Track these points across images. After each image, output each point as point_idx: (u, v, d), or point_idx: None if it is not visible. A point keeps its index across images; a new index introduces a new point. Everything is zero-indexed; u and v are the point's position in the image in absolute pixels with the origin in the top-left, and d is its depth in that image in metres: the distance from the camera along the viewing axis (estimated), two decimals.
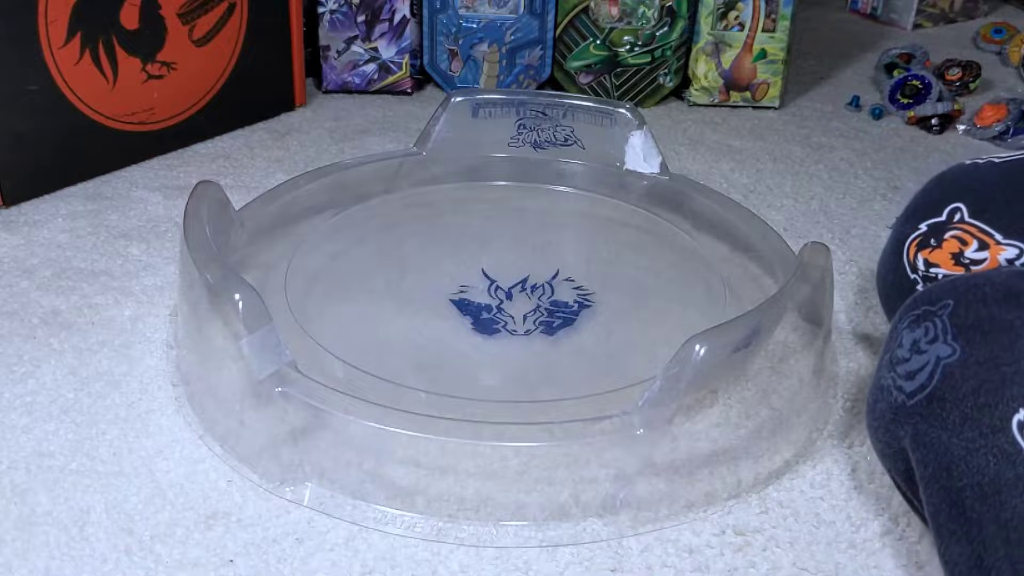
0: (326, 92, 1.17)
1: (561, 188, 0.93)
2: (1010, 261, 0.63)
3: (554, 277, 0.79)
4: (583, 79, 1.17)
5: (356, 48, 1.14)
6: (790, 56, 1.17)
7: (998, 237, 0.64)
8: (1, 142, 0.86)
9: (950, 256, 0.65)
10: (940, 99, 1.16)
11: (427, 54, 1.16)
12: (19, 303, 0.76)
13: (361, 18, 1.12)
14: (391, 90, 1.17)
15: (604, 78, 1.16)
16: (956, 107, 1.16)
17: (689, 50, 1.16)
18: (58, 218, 0.88)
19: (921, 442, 0.52)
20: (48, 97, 0.88)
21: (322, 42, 1.14)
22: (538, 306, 0.75)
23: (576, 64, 1.16)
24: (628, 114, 0.89)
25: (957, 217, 0.66)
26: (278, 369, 0.58)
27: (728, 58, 1.15)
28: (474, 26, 1.14)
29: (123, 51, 0.93)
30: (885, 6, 1.55)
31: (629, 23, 1.13)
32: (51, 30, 0.86)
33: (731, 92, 1.18)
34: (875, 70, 1.29)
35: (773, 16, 1.13)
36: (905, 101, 1.18)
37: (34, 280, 0.79)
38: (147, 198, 0.92)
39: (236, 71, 1.03)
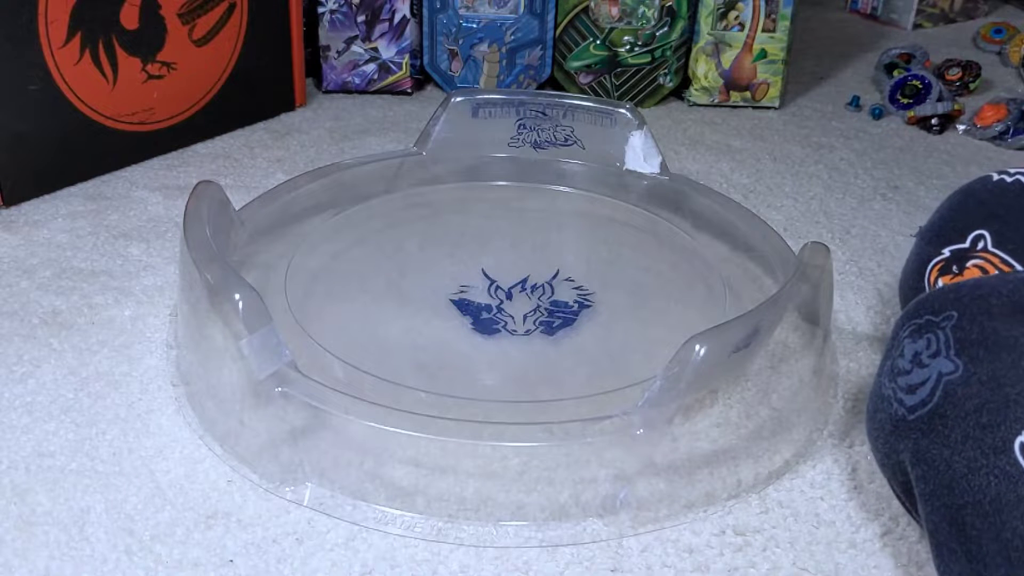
0: (326, 92, 1.17)
1: (561, 188, 0.93)
2: None
3: (554, 277, 0.79)
4: (583, 79, 1.17)
5: (356, 48, 1.14)
6: (790, 56, 1.17)
7: (1020, 269, 0.64)
8: (1, 142, 0.86)
9: None
10: (940, 99, 1.16)
11: (427, 54, 1.16)
12: (19, 303, 0.76)
13: (361, 18, 1.12)
14: (391, 90, 1.17)
15: (604, 78, 1.16)
16: (956, 107, 1.16)
17: (689, 50, 1.16)
18: (58, 218, 0.88)
19: (922, 458, 0.52)
20: (48, 97, 0.88)
21: (322, 42, 1.14)
22: (538, 306, 0.75)
23: (576, 64, 1.16)
24: (628, 114, 0.89)
25: (980, 246, 0.66)
26: (278, 369, 0.58)
27: (728, 58, 1.15)
28: (474, 26, 1.14)
29: (123, 51, 0.93)
30: (885, 6, 1.55)
31: (629, 23, 1.13)
32: (51, 30, 0.86)
33: (731, 92, 1.18)
34: (875, 70, 1.29)
35: (773, 16, 1.13)
36: (905, 101, 1.18)
37: (34, 280, 0.79)
38: (147, 198, 0.92)
39: (236, 71, 1.03)
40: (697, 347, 0.57)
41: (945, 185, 1.01)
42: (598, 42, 1.14)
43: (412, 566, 0.55)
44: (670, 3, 1.12)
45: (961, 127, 1.15)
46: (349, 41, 1.13)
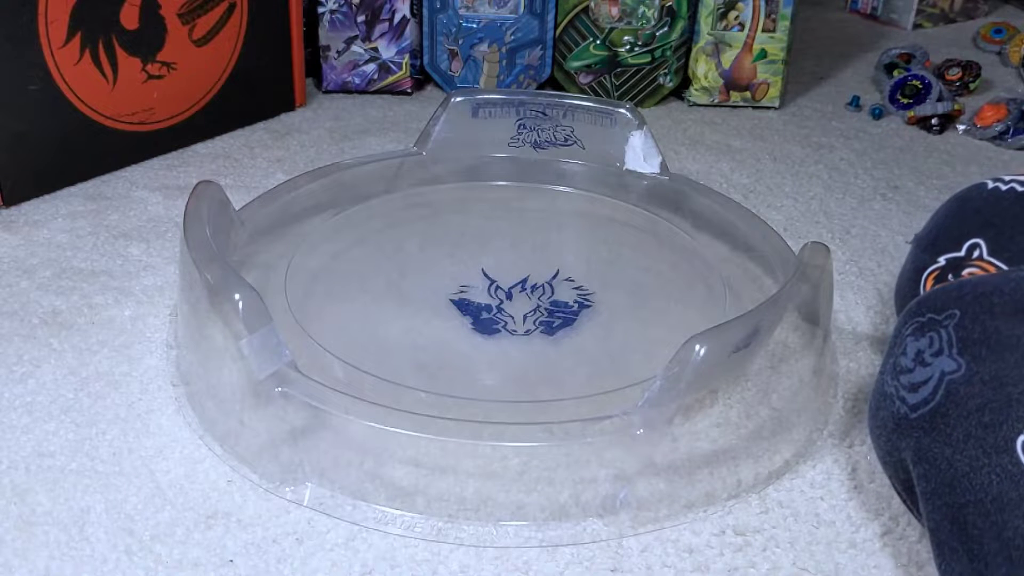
0: (326, 92, 1.17)
1: (561, 188, 0.93)
2: None
3: (554, 277, 0.79)
4: (583, 79, 1.17)
5: (356, 48, 1.14)
6: (790, 56, 1.17)
7: None
8: (1, 142, 0.86)
9: None
10: (940, 99, 1.16)
11: (427, 54, 1.16)
12: (19, 303, 0.76)
13: (361, 18, 1.12)
14: (391, 90, 1.17)
15: (604, 78, 1.16)
16: (956, 107, 1.16)
17: (689, 50, 1.16)
18: (58, 218, 0.88)
19: (923, 456, 0.52)
20: (48, 97, 0.88)
21: (322, 42, 1.14)
22: (538, 306, 0.75)
23: (576, 64, 1.16)
24: (628, 114, 0.89)
25: (976, 254, 0.66)
26: (278, 369, 0.58)
27: (728, 58, 1.15)
28: (474, 26, 1.14)
29: (123, 51, 0.93)
30: (885, 6, 1.55)
31: (629, 23, 1.13)
32: (51, 30, 0.86)
33: (731, 92, 1.18)
34: (875, 70, 1.29)
35: (773, 16, 1.13)
36: (905, 101, 1.18)
37: (34, 280, 0.79)
38: (147, 198, 0.92)
39: (236, 71, 1.03)
40: (697, 347, 0.57)
41: (945, 185, 1.01)
42: (598, 42, 1.14)
43: (412, 566, 0.55)
44: (670, 3, 1.12)
45: (961, 127, 1.15)
46: (349, 41, 1.13)
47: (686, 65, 1.17)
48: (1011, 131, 1.11)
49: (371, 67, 1.15)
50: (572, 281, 0.79)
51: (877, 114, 1.18)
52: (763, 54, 1.15)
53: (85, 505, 0.58)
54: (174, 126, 1.00)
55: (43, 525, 0.56)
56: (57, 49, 0.87)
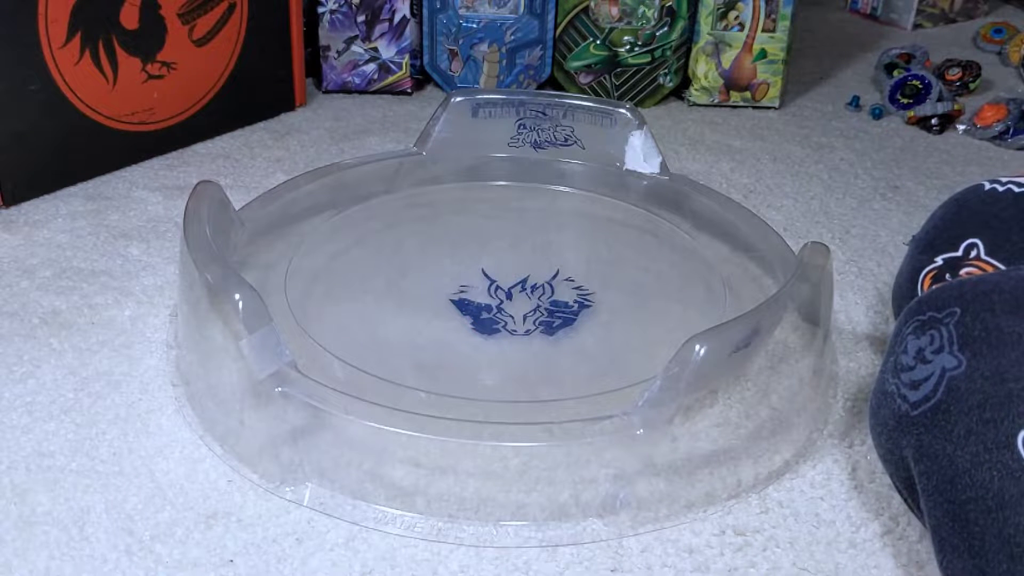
0: (326, 92, 1.17)
1: (561, 188, 0.93)
2: None
3: (554, 277, 0.79)
4: (583, 79, 1.17)
5: (356, 48, 1.14)
6: (790, 56, 1.17)
7: None
8: (1, 142, 0.86)
9: None
10: (940, 99, 1.16)
11: (427, 54, 1.16)
12: (19, 303, 0.76)
13: (361, 18, 1.12)
14: (391, 90, 1.17)
15: (604, 78, 1.16)
16: (956, 107, 1.16)
17: (689, 50, 1.16)
18: (58, 218, 0.88)
19: (925, 453, 0.52)
20: (48, 97, 0.88)
21: (322, 42, 1.14)
22: (538, 306, 0.75)
23: (576, 64, 1.16)
24: (628, 114, 0.89)
25: (973, 254, 0.66)
26: (278, 369, 0.58)
27: (728, 58, 1.15)
28: (474, 26, 1.14)
29: (123, 51, 0.93)
30: (885, 6, 1.55)
31: (629, 23, 1.13)
32: (51, 30, 0.86)
33: (731, 92, 1.18)
34: (875, 70, 1.29)
35: (773, 16, 1.13)
36: (905, 101, 1.18)
37: (34, 280, 0.79)
38: (147, 198, 0.92)
39: (236, 71, 1.03)
40: (697, 347, 0.57)
41: (945, 185, 1.01)
42: (598, 42, 1.14)
43: (412, 566, 0.55)
44: (670, 3, 1.12)
45: (961, 127, 1.15)
46: (349, 41, 1.13)
47: (686, 65, 1.17)
48: (1011, 131, 1.11)
49: (371, 67, 1.15)
50: (572, 281, 0.79)
51: (877, 114, 1.18)
52: (763, 54, 1.15)
53: (85, 505, 0.58)
54: (174, 126, 1.00)
55: (43, 525, 0.56)
56: (57, 49, 0.87)
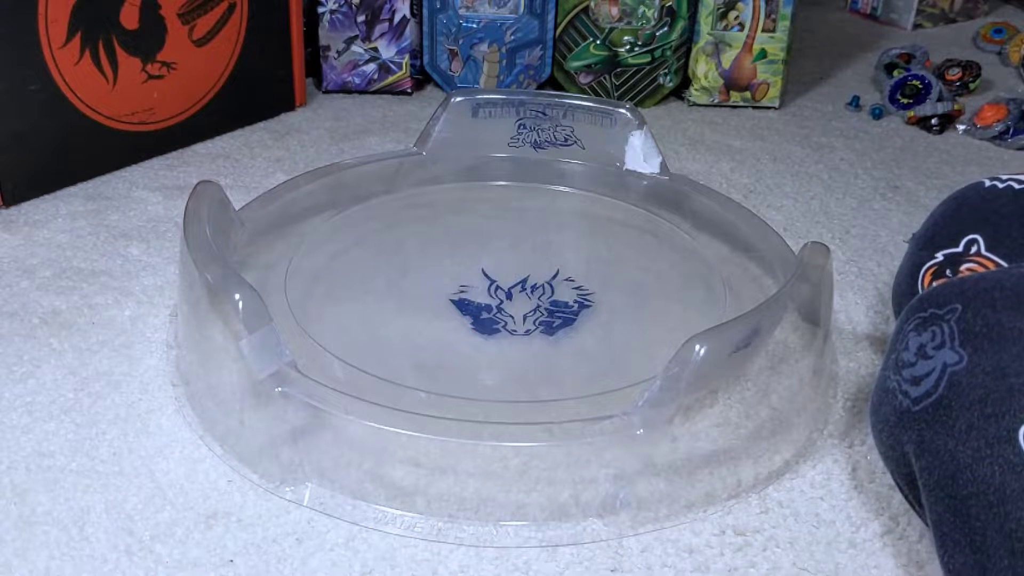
0: (326, 92, 1.17)
1: (561, 188, 0.93)
2: None
3: (554, 277, 0.79)
4: (583, 79, 1.17)
5: (356, 48, 1.14)
6: (790, 56, 1.17)
7: None
8: (1, 142, 0.86)
9: None
10: (940, 99, 1.16)
11: (427, 54, 1.16)
12: (19, 303, 0.76)
13: (361, 18, 1.12)
14: (391, 90, 1.17)
15: (604, 78, 1.16)
16: (956, 107, 1.16)
17: (689, 50, 1.16)
18: (58, 218, 0.88)
19: (926, 449, 0.52)
20: (48, 97, 0.88)
21: (322, 42, 1.14)
22: (538, 306, 0.75)
23: (576, 64, 1.16)
24: (628, 114, 0.89)
25: (974, 250, 0.66)
26: (278, 369, 0.58)
27: (728, 58, 1.15)
28: (474, 26, 1.14)
29: (123, 51, 0.93)
30: (885, 6, 1.55)
31: (629, 23, 1.13)
32: (51, 30, 0.86)
33: (731, 92, 1.18)
34: (875, 70, 1.29)
35: (773, 16, 1.13)
36: (905, 101, 1.18)
37: (34, 280, 0.79)
38: (147, 198, 0.92)
39: (236, 71, 1.03)
40: (697, 347, 0.57)
41: (945, 185, 1.01)
42: (598, 42, 1.14)
43: (412, 566, 0.55)
44: (670, 3, 1.12)
45: (961, 127, 1.15)
46: (349, 41, 1.13)
47: (686, 65, 1.17)
48: (1011, 131, 1.11)
49: (371, 67, 1.15)
50: (572, 281, 0.79)
51: (877, 114, 1.18)
52: (763, 54, 1.15)
53: (85, 505, 0.58)
54: (174, 126, 1.00)
55: (43, 525, 0.56)
56: (57, 49, 0.87)
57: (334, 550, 0.56)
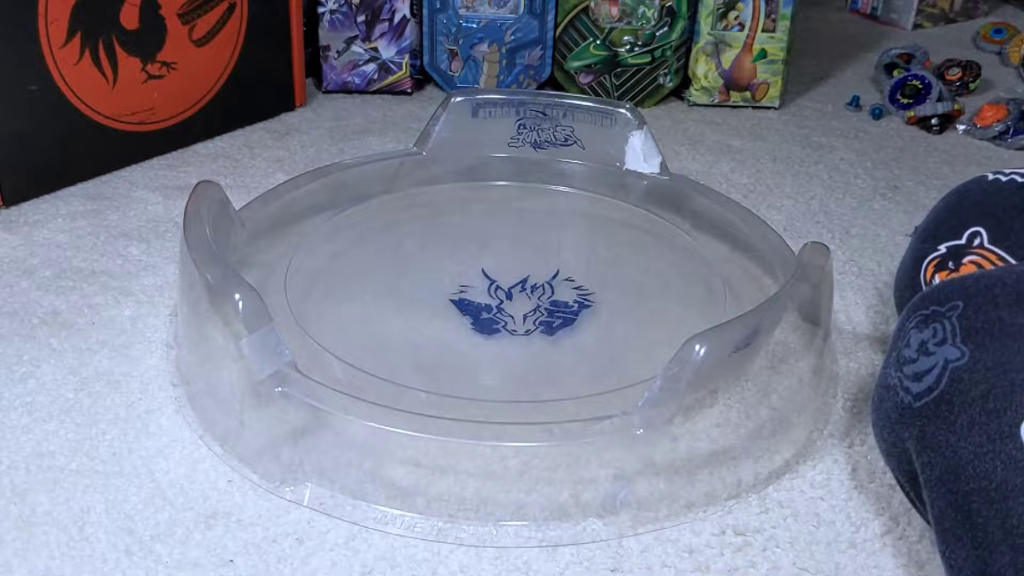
0: (326, 92, 1.17)
1: (561, 188, 0.93)
2: None
3: (554, 277, 0.79)
4: (583, 79, 1.17)
5: (356, 48, 1.14)
6: (790, 56, 1.17)
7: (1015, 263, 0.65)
8: (1, 142, 0.86)
9: None
10: (940, 99, 1.16)
11: (427, 54, 1.16)
12: (19, 303, 0.76)
13: (361, 18, 1.12)
14: (391, 90, 1.17)
15: (604, 78, 1.16)
16: (956, 107, 1.16)
17: (689, 50, 1.16)
18: (58, 218, 0.88)
19: (927, 444, 0.52)
20: (48, 97, 0.88)
21: (322, 42, 1.14)
22: (538, 306, 0.75)
23: (576, 64, 1.16)
24: (628, 114, 0.89)
25: (976, 242, 0.66)
26: (278, 369, 0.58)
27: (728, 58, 1.15)
28: (474, 26, 1.14)
29: (123, 51, 0.93)
30: (885, 6, 1.55)
31: (629, 23, 1.13)
32: (51, 30, 0.86)
33: (731, 92, 1.18)
34: (875, 70, 1.29)
35: (773, 16, 1.13)
36: (905, 101, 1.18)
37: (34, 280, 0.79)
38: (147, 198, 0.92)
39: (236, 71, 1.03)
40: (697, 347, 0.57)
41: (945, 185, 1.01)
42: (598, 42, 1.14)
43: (412, 566, 0.55)
44: (670, 3, 1.12)
45: (961, 127, 1.15)
46: (349, 41, 1.13)
47: (686, 65, 1.17)
48: (1011, 131, 1.11)
49: (371, 67, 1.15)
50: (572, 281, 0.79)
51: (877, 114, 1.18)
52: (763, 54, 1.15)
53: (85, 505, 0.58)
54: (174, 126, 1.00)
55: (43, 525, 0.56)
56: (57, 49, 0.87)
57: (334, 550, 0.56)
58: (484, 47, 1.15)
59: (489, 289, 0.77)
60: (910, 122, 1.16)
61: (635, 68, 1.16)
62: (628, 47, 1.14)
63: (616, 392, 0.64)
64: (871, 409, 0.58)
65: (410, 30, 1.13)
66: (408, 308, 0.75)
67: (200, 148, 1.03)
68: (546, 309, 0.75)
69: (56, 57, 0.87)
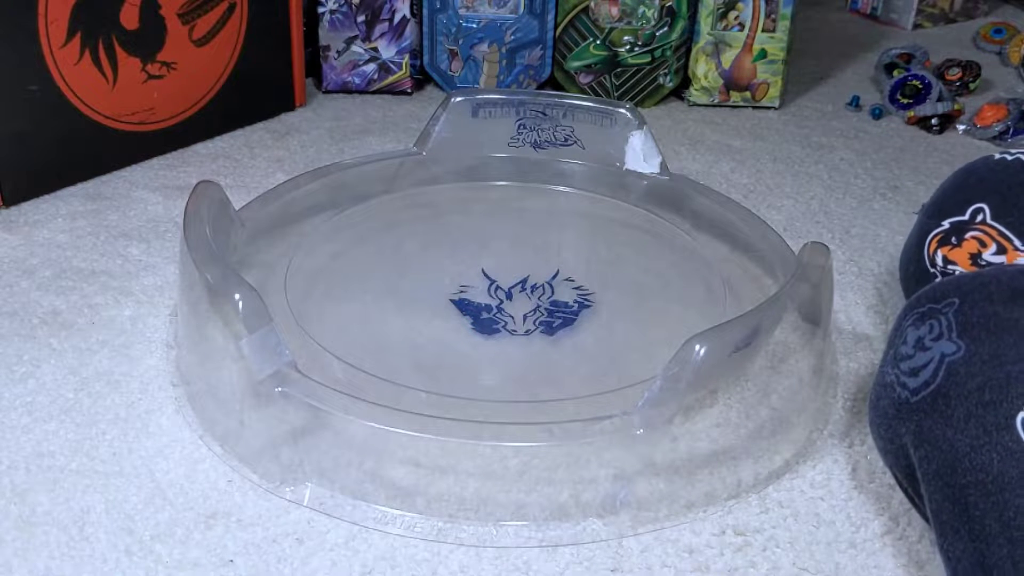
0: (326, 92, 1.17)
1: (561, 188, 0.93)
2: None
3: (554, 277, 0.79)
4: (583, 79, 1.17)
5: (356, 48, 1.14)
6: (790, 56, 1.17)
7: (1017, 243, 0.65)
8: (1, 142, 0.86)
9: (968, 256, 0.66)
10: (940, 99, 1.16)
11: (427, 54, 1.16)
12: (19, 303, 0.76)
13: (361, 18, 1.12)
14: (391, 90, 1.17)
15: (604, 78, 1.16)
16: (956, 107, 1.16)
17: (689, 50, 1.16)
18: (58, 218, 0.88)
19: (925, 439, 0.52)
20: (48, 97, 0.88)
21: (322, 42, 1.14)
22: (538, 306, 0.75)
23: (576, 64, 1.16)
24: (628, 114, 0.89)
25: (979, 218, 0.67)
26: (278, 369, 0.58)
27: (728, 58, 1.15)
28: (474, 26, 1.14)
29: (123, 51, 0.93)
30: (885, 6, 1.55)
31: (629, 23, 1.13)
32: (51, 30, 0.86)
33: (731, 92, 1.18)
34: (875, 70, 1.29)
35: (773, 16, 1.13)
36: (905, 101, 1.18)
37: (34, 280, 0.79)
38: (147, 198, 0.92)
39: (236, 71, 1.03)
40: (697, 347, 0.57)
41: None
42: (598, 42, 1.14)
43: (412, 566, 0.55)
44: (670, 3, 1.12)
45: (961, 127, 1.15)
46: (349, 41, 1.13)
47: (686, 65, 1.17)
48: (1011, 131, 1.11)
49: (371, 67, 1.15)
50: (572, 281, 0.79)
51: (877, 114, 1.18)
52: (763, 54, 1.15)
53: (85, 505, 0.58)
54: (174, 126, 1.00)
55: (43, 525, 0.56)
56: (57, 49, 0.87)
57: (334, 550, 0.56)
58: (484, 47, 1.15)
59: (489, 289, 0.77)
60: (910, 122, 1.16)
61: (635, 68, 1.16)
62: (628, 47, 1.14)
63: (616, 392, 0.64)
64: (868, 407, 0.58)
65: (410, 30, 1.13)
66: (408, 308, 0.75)
67: (200, 148, 1.03)
68: (546, 309, 0.75)
69: (56, 57, 0.87)
